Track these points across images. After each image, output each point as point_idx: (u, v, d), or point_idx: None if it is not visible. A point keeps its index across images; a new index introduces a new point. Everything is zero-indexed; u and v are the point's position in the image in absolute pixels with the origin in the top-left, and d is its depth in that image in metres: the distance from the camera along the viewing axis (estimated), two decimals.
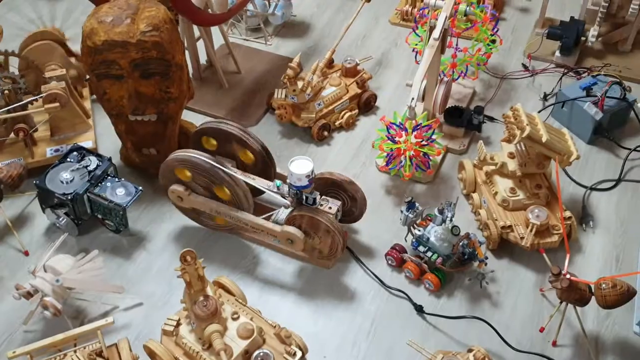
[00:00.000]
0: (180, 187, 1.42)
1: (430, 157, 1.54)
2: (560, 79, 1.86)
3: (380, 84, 1.92)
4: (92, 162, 1.46)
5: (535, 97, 1.84)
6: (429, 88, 1.65)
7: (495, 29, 1.72)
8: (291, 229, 1.33)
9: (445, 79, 1.69)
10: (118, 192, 1.43)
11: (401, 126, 1.53)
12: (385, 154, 1.54)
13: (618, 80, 1.69)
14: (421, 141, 1.52)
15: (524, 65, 1.94)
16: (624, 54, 1.95)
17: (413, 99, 1.44)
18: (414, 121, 1.50)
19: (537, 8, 2.05)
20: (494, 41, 1.73)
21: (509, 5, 2.21)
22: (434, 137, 1.54)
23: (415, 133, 1.52)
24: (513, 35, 2.08)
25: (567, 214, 1.43)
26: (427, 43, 1.52)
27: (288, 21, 2.14)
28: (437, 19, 1.53)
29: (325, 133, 1.75)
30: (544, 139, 1.38)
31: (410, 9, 2.11)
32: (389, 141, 1.53)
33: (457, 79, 1.80)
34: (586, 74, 1.85)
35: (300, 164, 1.28)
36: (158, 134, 1.56)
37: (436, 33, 1.54)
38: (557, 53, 1.91)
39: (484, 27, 1.72)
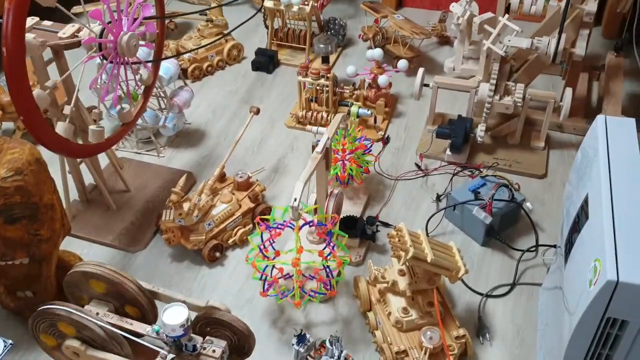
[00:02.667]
0: (76, 342, 1.30)
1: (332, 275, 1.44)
2: (451, 179, 1.86)
3: (275, 193, 1.88)
4: None
5: (428, 199, 1.84)
6: (320, 201, 1.62)
7: (369, 151, 1.75)
8: None
9: (335, 191, 1.66)
10: None
11: (280, 226, 1.41)
12: (258, 274, 1.42)
13: (505, 182, 1.70)
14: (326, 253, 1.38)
15: (417, 165, 1.94)
16: (513, 147, 1.99)
17: (295, 199, 1.38)
18: (301, 220, 1.42)
19: (429, 103, 2.05)
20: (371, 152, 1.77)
21: (401, 102, 2.23)
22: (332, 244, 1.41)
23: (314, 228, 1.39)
24: (406, 133, 2.09)
25: (461, 331, 1.40)
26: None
27: (182, 129, 2.08)
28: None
29: (217, 254, 1.67)
30: (429, 259, 1.35)
31: (304, 112, 2.10)
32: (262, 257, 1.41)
33: (348, 183, 1.78)
34: (477, 172, 1.85)
35: (173, 313, 1.20)
36: (32, 275, 1.45)
37: (319, 147, 1.52)
38: (448, 151, 1.92)
39: (359, 152, 1.74)
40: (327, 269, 1.42)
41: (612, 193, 1.01)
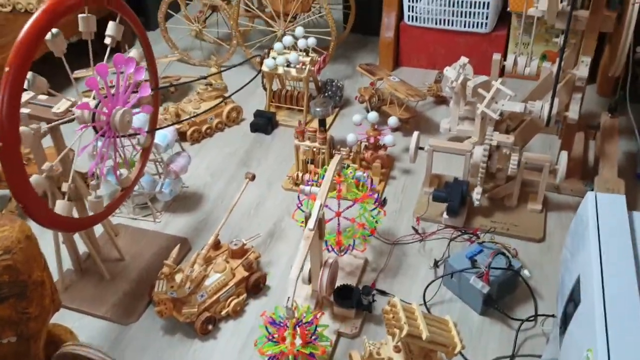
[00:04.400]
0: None
1: (316, 356, 1.45)
2: (449, 244, 1.84)
3: (271, 258, 1.85)
4: None
5: (426, 265, 1.80)
6: (314, 270, 1.60)
7: (377, 203, 1.70)
8: None
9: (330, 260, 1.63)
10: None
11: (281, 324, 1.44)
12: (267, 357, 1.44)
13: (502, 250, 1.67)
14: (307, 339, 1.43)
15: (414, 229, 1.91)
16: (510, 209, 1.96)
17: (289, 298, 1.36)
18: (294, 319, 1.42)
19: (424, 165, 2.03)
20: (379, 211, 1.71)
21: (398, 162, 2.22)
22: (317, 331, 1.45)
23: (299, 330, 1.43)
24: (403, 194, 2.07)
25: None
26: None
27: (180, 193, 2.08)
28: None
29: (210, 327, 1.64)
30: (424, 336, 1.31)
31: (301, 174, 2.09)
32: (270, 342, 1.44)
33: (345, 254, 1.74)
34: (475, 237, 1.83)
35: None
36: (20, 353, 1.41)
37: (311, 224, 1.50)
38: (445, 215, 1.90)
39: (364, 202, 1.69)
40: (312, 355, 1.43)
41: (603, 278, 0.98)
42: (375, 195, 1.71)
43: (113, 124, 1.47)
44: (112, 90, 1.46)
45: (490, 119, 1.87)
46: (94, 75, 1.38)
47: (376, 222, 1.70)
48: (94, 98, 1.48)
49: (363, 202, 1.69)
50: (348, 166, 1.97)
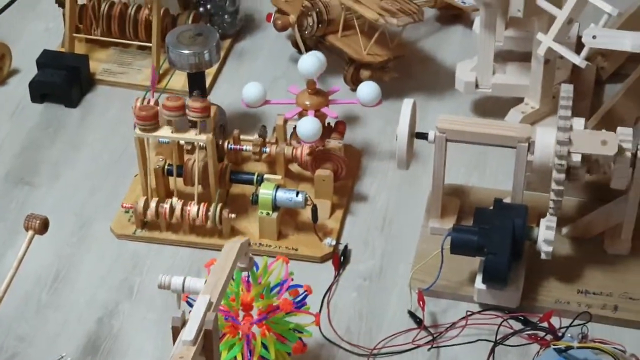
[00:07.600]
0: None
1: None
2: (492, 350, 1.61)
3: None
4: None
5: None
6: None
7: (300, 305, 1.63)
8: None
9: None
10: None
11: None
12: None
13: None
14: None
15: (412, 317, 1.70)
16: (617, 262, 1.80)
17: None
18: None
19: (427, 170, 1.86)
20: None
21: (370, 166, 2.05)
22: None
23: None
24: (385, 239, 1.90)
25: None
26: None
27: None
28: None
29: None
30: None
31: (154, 203, 1.78)
32: None
33: None
34: (549, 335, 1.63)
35: None
36: None
37: (189, 333, 1.24)
38: (478, 283, 1.71)
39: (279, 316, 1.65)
40: None
41: None
42: (299, 295, 1.67)
43: None
44: None
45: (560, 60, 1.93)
46: None
47: (300, 332, 1.64)
48: None
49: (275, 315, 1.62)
50: (260, 179, 1.92)
